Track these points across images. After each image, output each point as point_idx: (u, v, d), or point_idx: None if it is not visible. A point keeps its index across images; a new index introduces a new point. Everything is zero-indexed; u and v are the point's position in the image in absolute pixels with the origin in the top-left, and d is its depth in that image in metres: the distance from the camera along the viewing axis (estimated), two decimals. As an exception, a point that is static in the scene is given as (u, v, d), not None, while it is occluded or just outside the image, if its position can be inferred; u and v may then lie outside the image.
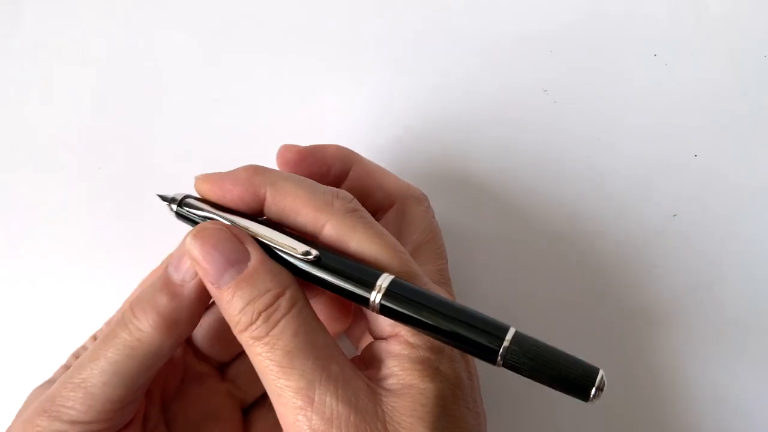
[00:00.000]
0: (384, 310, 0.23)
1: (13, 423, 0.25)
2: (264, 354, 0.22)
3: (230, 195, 0.25)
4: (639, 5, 0.38)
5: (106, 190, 0.36)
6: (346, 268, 0.23)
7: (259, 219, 0.25)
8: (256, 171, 0.25)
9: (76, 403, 0.23)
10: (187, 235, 0.24)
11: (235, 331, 0.23)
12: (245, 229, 0.25)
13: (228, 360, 0.30)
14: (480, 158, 0.35)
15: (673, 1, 0.38)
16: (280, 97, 0.37)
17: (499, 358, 0.21)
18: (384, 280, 0.23)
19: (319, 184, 0.25)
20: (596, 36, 0.37)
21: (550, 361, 0.21)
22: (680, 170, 0.35)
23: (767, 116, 0.36)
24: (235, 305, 0.23)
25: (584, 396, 0.21)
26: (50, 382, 0.26)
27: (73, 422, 0.23)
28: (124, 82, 0.38)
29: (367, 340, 0.26)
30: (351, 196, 0.25)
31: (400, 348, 0.23)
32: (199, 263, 0.23)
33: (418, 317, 0.22)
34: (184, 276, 0.24)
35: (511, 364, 0.21)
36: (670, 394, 0.33)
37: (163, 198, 0.27)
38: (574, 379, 0.21)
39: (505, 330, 0.21)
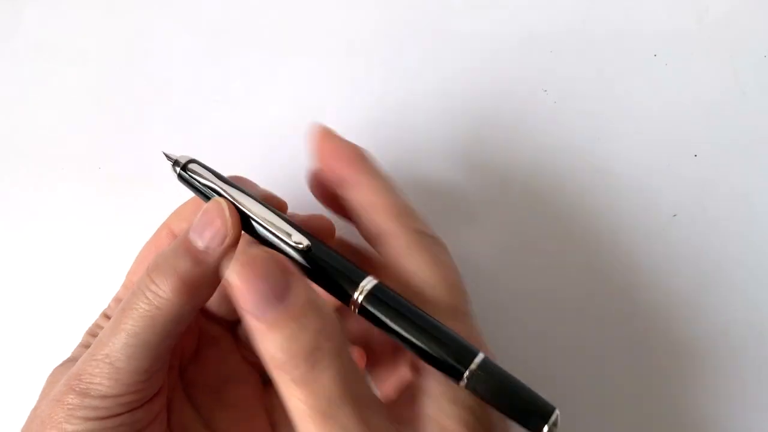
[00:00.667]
0: (362, 312, 0.23)
1: (39, 403, 0.25)
2: (303, 399, 0.21)
3: (329, 158, 0.26)
4: (639, 5, 0.38)
5: (107, 190, 0.36)
6: (334, 264, 0.24)
7: (258, 199, 0.25)
8: (361, 157, 0.25)
9: (103, 379, 0.23)
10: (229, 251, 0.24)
11: (270, 367, 0.21)
12: (239, 203, 0.25)
13: (239, 320, 0.30)
14: (479, 158, 0.35)
15: (673, 1, 0.38)
16: (281, 97, 0.37)
17: (464, 380, 0.22)
18: (368, 283, 0.23)
19: (401, 194, 0.25)
20: (596, 36, 0.37)
21: (511, 392, 0.22)
22: (680, 170, 0.35)
23: (767, 116, 0.36)
24: (274, 341, 0.21)
25: (536, 431, 0.21)
26: (71, 361, 0.26)
27: (102, 397, 0.23)
28: (124, 82, 0.38)
29: (394, 382, 0.26)
30: (423, 219, 0.25)
31: (439, 403, 0.22)
32: (240, 291, 0.21)
33: (394, 326, 0.23)
34: (209, 243, 0.24)
35: (474, 388, 0.22)
36: (670, 393, 0.33)
37: (169, 157, 0.27)
38: (529, 413, 0.22)
39: (475, 354, 0.22)
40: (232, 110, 0.37)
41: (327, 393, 0.21)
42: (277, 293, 0.21)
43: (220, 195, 0.25)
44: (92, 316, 0.29)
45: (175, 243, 0.24)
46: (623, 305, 0.33)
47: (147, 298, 0.23)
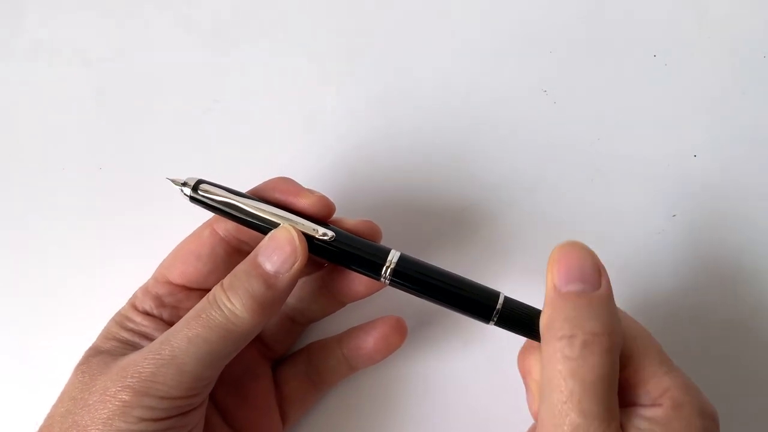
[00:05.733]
0: (395, 281, 0.26)
1: (72, 390, 0.25)
2: (564, 373, 0.22)
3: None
4: (639, 6, 0.38)
5: (107, 191, 0.36)
6: (360, 246, 0.27)
7: (282, 206, 0.27)
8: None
9: (167, 379, 0.24)
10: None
11: (546, 328, 0.24)
12: (260, 212, 0.26)
13: None
14: (480, 159, 0.35)
15: (673, 1, 0.38)
16: (280, 97, 0.37)
17: (493, 318, 0.26)
18: (393, 255, 0.26)
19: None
20: (596, 36, 0.37)
21: (531, 319, 0.25)
22: (680, 170, 0.35)
23: (767, 116, 0.36)
24: (564, 312, 0.23)
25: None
26: (103, 353, 0.26)
27: (162, 398, 0.24)
28: (124, 82, 0.38)
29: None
30: None
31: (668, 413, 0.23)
32: (555, 264, 0.24)
33: (425, 288, 0.26)
34: (278, 268, 0.25)
35: (502, 323, 0.26)
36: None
37: (175, 182, 0.27)
38: None
39: (497, 295, 0.26)
40: (233, 110, 0.37)
41: (585, 378, 0.22)
42: (585, 277, 0.24)
43: (237, 208, 0.26)
44: (92, 315, 0.29)
45: (245, 265, 0.26)
46: (622, 305, 0.33)
47: (223, 313, 0.25)
